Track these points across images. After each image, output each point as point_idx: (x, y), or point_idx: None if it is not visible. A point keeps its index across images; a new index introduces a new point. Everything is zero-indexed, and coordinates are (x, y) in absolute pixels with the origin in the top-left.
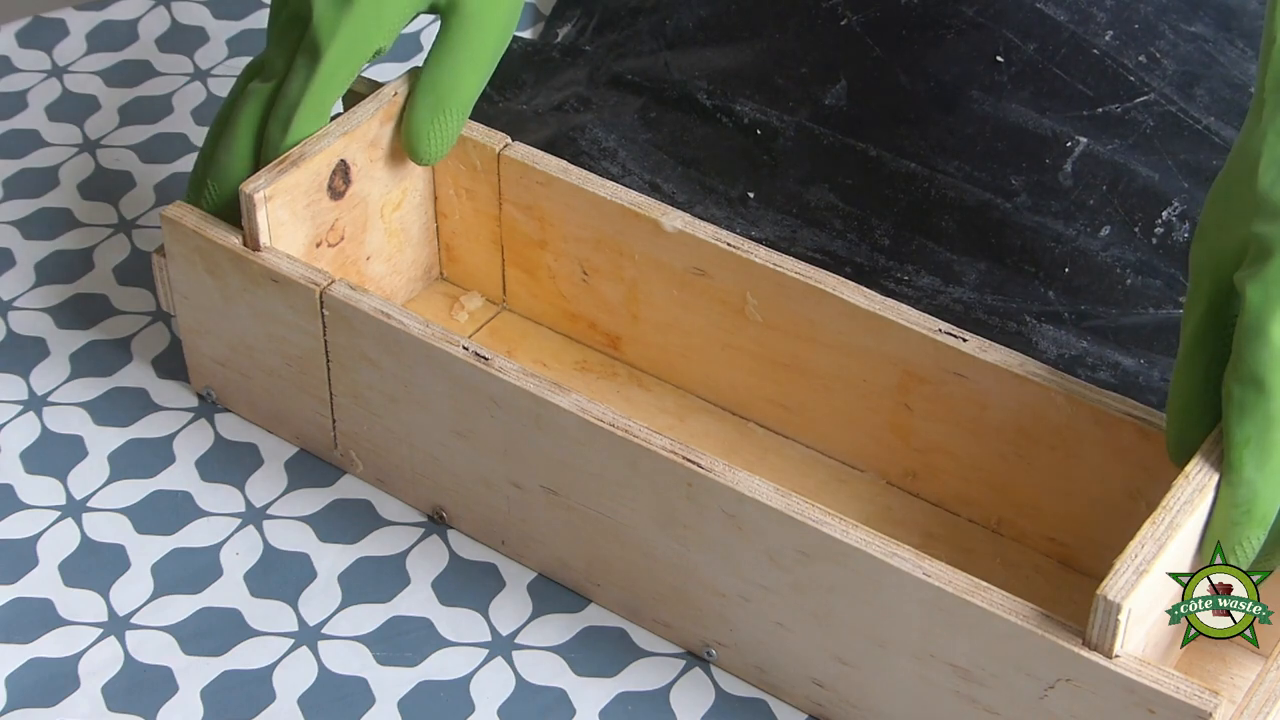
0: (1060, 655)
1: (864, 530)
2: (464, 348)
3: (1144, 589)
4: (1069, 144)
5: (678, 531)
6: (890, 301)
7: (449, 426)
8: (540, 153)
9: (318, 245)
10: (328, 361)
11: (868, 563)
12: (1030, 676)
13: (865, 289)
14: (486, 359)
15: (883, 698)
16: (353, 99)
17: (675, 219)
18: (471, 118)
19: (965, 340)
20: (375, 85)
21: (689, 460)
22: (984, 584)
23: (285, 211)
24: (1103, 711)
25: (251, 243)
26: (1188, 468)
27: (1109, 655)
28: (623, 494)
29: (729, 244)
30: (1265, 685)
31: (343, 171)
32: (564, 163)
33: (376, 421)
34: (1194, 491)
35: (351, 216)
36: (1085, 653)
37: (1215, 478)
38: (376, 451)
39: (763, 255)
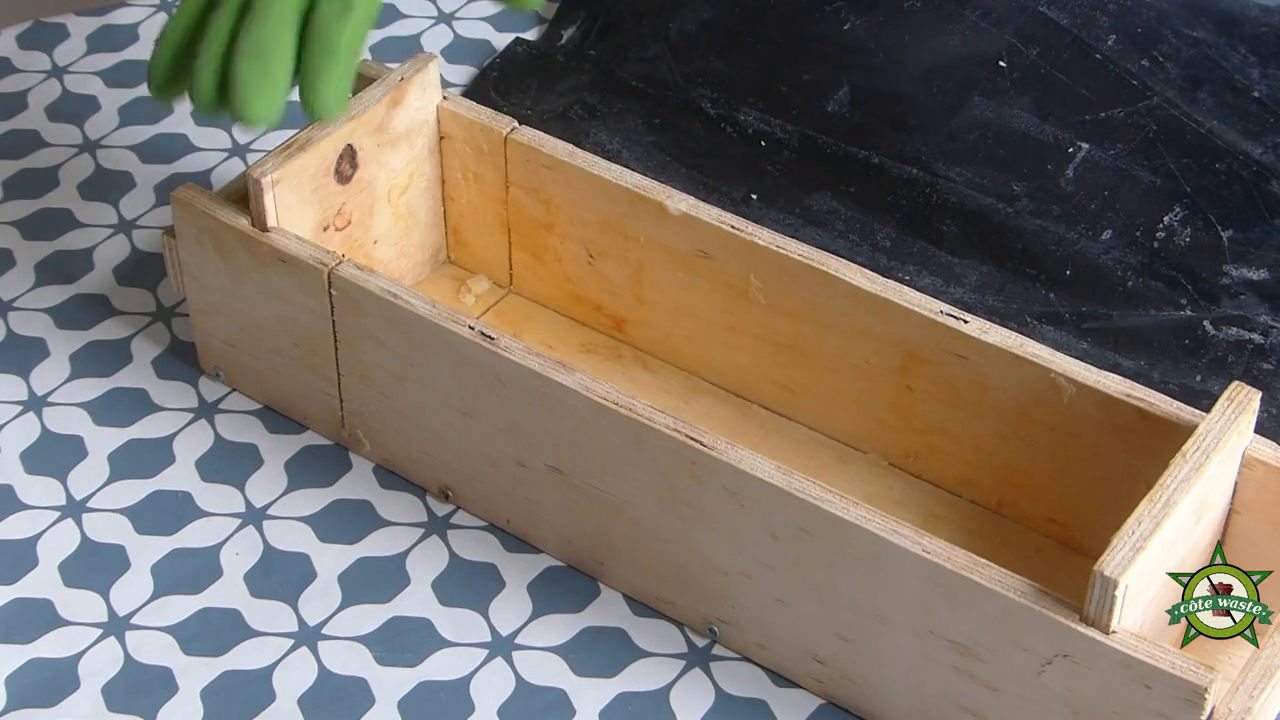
0: (1058, 631)
1: (864, 507)
2: (470, 327)
3: (1141, 565)
4: (1071, 150)
5: (680, 509)
6: (892, 283)
7: (455, 405)
8: (546, 136)
9: (325, 229)
10: (335, 341)
11: (868, 539)
12: (1028, 652)
13: (867, 271)
14: (492, 338)
15: (883, 674)
16: (360, 84)
17: (680, 202)
18: None
19: (966, 321)
20: (382, 69)
21: (692, 439)
22: (982, 560)
23: (292, 196)
24: (1100, 687)
25: (259, 224)
26: (1185, 447)
27: (1106, 631)
28: (626, 472)
29: (733, 226)
30: (1261, 661)
31: (349, 156)
32: (570, 146)
33: (383, 401)
34: (1191, 470)
35: (358, 201)
36: (1082, 628)
37: (1212, 459)
38: (383, 431)
39: (766, 237)
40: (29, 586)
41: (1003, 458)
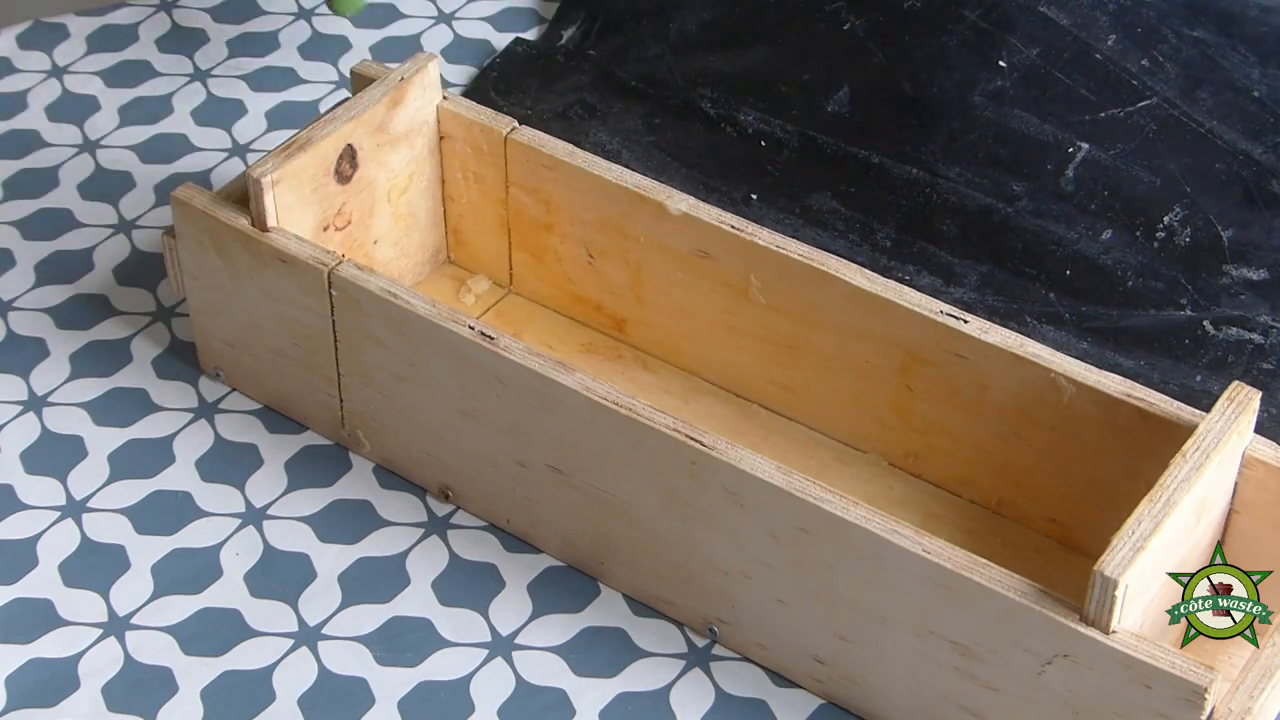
0: (1058, 631)
1: (864, 507)
2: (470, 327)
3: (1141, 565)
4: (1071, 150)
5: (680, 509)
6: (892, 283)
7: (455, 406)
8: (546, 136)
9: (325, 229)
10: (335, 341)
11: (868, 539)
12: (1028, 652)
13: (867, 271)
14: (492, 338)
15: (883, 674)
16: (360, 84)
17: (680, 202)
18: None
19: (966, 321)
20: (383, 69)
21: (692, 439)
22: (983, 560)
23: (292, 196)
24: (1100, 686)
25: (260, 224)
26: (1185, 447)
27: (1106, 631)
28: (626, 472)
29: (733, 226)
30: (1261, 661)
31: (349, 156)
32: (570, 146)
33: (384, 401)
34: (1191, 470)
35: (358, 201)
36: (1082, 628)
37: (1212, 459)
38: (383, 431)
39: (766, 237)
40: (29, 586)
41: (1003, 458)
